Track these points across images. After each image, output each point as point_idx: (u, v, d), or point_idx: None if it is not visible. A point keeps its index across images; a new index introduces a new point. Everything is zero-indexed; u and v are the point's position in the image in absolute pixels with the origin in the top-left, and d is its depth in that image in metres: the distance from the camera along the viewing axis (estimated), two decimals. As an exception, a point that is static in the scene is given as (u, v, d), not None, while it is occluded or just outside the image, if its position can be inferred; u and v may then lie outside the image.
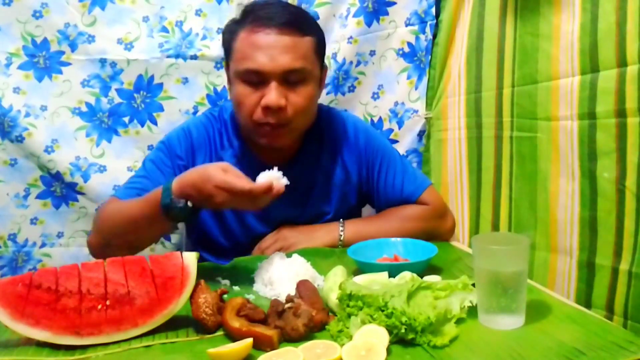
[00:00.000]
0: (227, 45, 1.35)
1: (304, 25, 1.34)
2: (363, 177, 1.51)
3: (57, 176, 1.65)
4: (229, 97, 1.44)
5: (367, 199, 1.57)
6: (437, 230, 1.47)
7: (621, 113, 1.14)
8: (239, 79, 1.31)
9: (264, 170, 1.20)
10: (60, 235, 1.71)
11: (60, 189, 1.68)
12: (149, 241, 1.40)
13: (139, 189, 1.34)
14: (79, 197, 1.68)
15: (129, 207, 1.25)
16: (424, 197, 1.48)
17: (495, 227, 1.54)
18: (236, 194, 1.10)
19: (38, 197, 1.67)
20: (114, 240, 1.27)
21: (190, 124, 1.47)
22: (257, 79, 1.29)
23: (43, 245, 1.70)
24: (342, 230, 1.43)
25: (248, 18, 1.32)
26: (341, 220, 1.46)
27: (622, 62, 1.14)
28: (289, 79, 1.30)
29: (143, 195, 1.25)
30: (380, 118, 1.82)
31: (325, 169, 1.48)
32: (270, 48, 1.28)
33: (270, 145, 1.37)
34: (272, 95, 1.28)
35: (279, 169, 1.28)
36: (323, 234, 1.43)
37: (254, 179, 1.20)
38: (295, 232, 1.43)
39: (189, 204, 1.13)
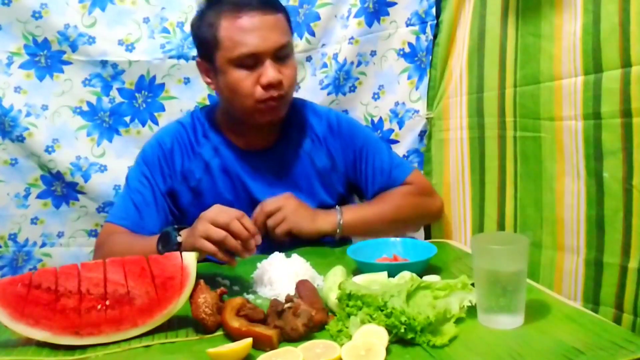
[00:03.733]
0: (209, 38, 1.36)
1: (275, 2, 1.39)
2: (350, 163, 1.54)
3: (58, 176, 1.65)
4: (213, 88, 1.44)
5: (355, 189, 1.60)
6: (428, 207, 1.58)
7: (626, 113, 1.14)
8: (232, 65, 1.33)
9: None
10: (60, 235, 1.71)
11: (60, 188, 1.68)
12: None
13: (132, 207, 1.40)
14: (80, 196, 1.69)
15: (131, 247, 1.27)
16: (411, 178, 1.55)
17: (501, 226, 1.54)
18: (226, 212, 1.11)
19: (38, 196, 1.67)
20: None
21: (160, 132, 1.52)
22: (252, 62, 1.33)
23: (43, 245, 1.70)
24: (340, 216, 1.43)
25: (224, 6, 1.34)
26: (337, 207, 1.47)
27: (626, 63, 1.14)
28: (280, 54, 1.35)
29: (145, 237, 1.30)
30: (380, 118, 1.82)
31: (308, 154, 1.51)
32: (259, 29, 1.32)
33: (273, 120, 1.41)
34: (271, 72, 1.32)
35: (259, 155, 1.43)
36: (323, 219, 1.43)
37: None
38: (301, 210, 1.42)
39: (179, 239, 1.15)
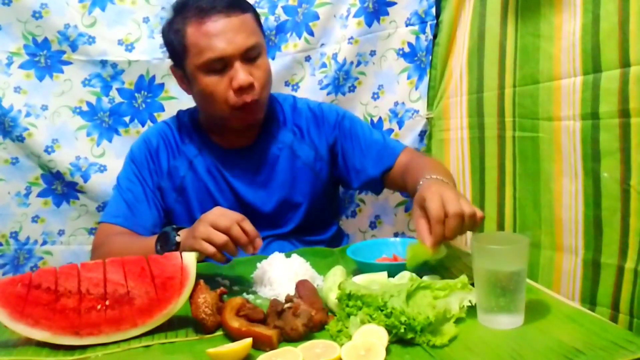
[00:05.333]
0: (177, 46, 1.35)
1: (241, 2, 1.37)
2: (332, 146, 1.52)
3: (58, 175, 1.66)
4: (188, 94, 1.44)
5: (342, 176, 1.55)
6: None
7: (625, 113, 1.15)
8: (201, 71, 1.33)
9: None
10: (61, 233, 1.71)
11: (61, 187, 1.68)
12: None
13: (124, 205, 1.41)
14: (80, 195, 1.69)
15: (130, 247, 1.27)
16: (405, 154, 1.48)
17: (500, 226, 1.54)
18: (227, 216, 1.11)
19: (39, 195, 1.68)
20: None
21: (147, 132, 1.53)
22: (220, 66, 1.32)
23: (44, 243, 1.71)
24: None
25: (188, 12, 1.33)
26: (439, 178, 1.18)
27: (625, 63, 1.14)
28: (249, 56, 1.34)
29: (143, 238, 1.32)
30: (380, 118, 1.82)
31: (290, 147, 1.50)
32: (224, 32, 1.31)
33: (248, 124, 1.41)
34: (241, 74, 1.31)
35: (241, 153, 1.43)
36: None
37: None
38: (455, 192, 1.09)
39: (178, 239, 1.16)
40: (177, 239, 1.15)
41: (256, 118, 1.41)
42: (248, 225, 1.10)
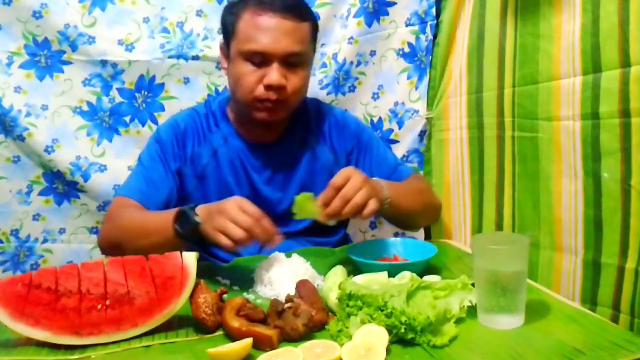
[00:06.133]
0: (229, 25, 1.40)
1: (303, 11, 1.41)
2: (351, 157, 1.56)
3: (58, 174, 1.66)
4: (225, 74, 1.47)
5: None
6: (437, 200, 1.61)
7: (625, 113, 1.15)
8: (241, 57, 1.37)
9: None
10: (62, 231, 1.72)
11: (62, 186, 1.68)
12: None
13: (143, 182, 1.42)
14: (80, 194, 1.69)
15: (145, 221, 1.30)
16: (413, 177, 1.57)
17: (499, 226, 1.54)
18: (247, 212, 1.11)
19: (40, 193, 1.68)
20: (126, 245, 1.29)
21: (176, 116, 1.54)
22: (259, 60, 1.35)
23: (45, 241, 1.71)
24: (385, 189, 1.32)
25: (250, 1, 1.37)
26: (375, 178, 1.35)
27: (625, 63, 1.14)
28: (289, 60, 1.36)
29: (158, 213, 1.32)
30: (380, 118, 1.82)
31: (312, 150, 1.53)
32: (274, 31, 1.34)
33: (266, 120, 1.42)
34: (275, 75, 1.34)
35: (264, 148, 1.45)
36: (380, 191, 1.29)
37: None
38: (369, 180, 1.26)
39: (197, 219, 1.15)
40: (197, 219, 1.15)
41: (274, 117, 1.42)
42: (267, 223, 1.11)
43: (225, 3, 1.69)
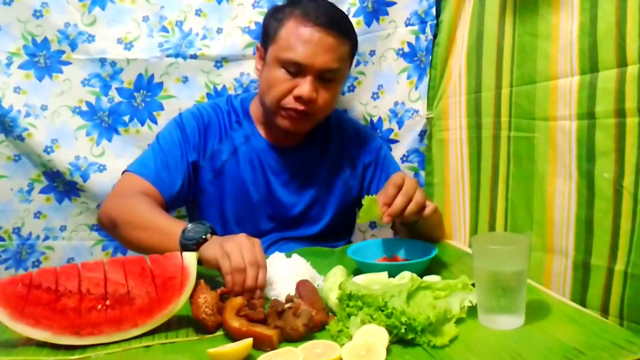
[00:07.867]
0: (271, 30, 1.40)
1: (347, 30, 1.43)
2: (365, 163, 1.59)
3: (58, 174, 1.66)
4: (257, 76, 1.48)
5: (360, 198, 1.55)
6: (442, 221, 1.56)
7: (621, 113, 1.14)
8: (277, 63, 1.37)
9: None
10: (63, 229, 1.72)
11: (62, 184, 1.69)
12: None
13: (157, 164, 1.40)
14: (80, 193, 1.69)
15: (153, 216, 1.25)
16: None
17: (492, 227, 1.54)
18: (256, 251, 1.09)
19: (41, 192, 1.68)
20: (122, 228, 1.27)
21: (200, 106, 1.54)
22: (295, 69, 1.36)
23: (46, 238, 1.71)
24: None
25: (297, 10, 1.38)
26: None
27: (622, 62, 1.14)
28: (324, 76, 1.38)
29: (168, 217, 1.27)
30: (380, 118, 1.82)
31: (331, 158, 1.55)
32: (315, 45, 1.35)
33: (288, 129, 1.42)
34: (307, 87, 1.35)
35: (284, 152, 1.47)
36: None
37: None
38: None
39: (208, 236, 1.13)
40: (208, 236, 1.13)
41: (297, 128, 1.43)
42: (262, 274, 1.07)
43: (225, 3, 1.70)
